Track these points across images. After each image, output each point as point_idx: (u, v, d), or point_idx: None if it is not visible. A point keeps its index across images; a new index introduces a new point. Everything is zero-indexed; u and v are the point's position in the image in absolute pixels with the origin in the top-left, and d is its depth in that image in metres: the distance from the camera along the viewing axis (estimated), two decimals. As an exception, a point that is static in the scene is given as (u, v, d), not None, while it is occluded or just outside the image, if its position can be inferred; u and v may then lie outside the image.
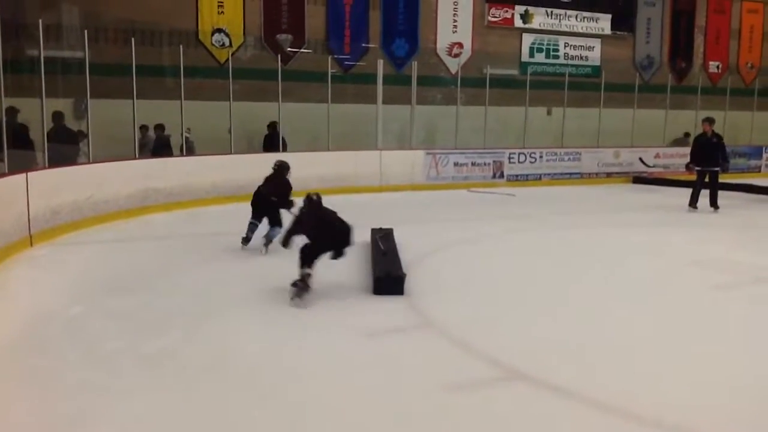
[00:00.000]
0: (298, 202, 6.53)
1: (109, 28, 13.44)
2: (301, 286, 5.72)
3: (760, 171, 18.40)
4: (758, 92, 18.85)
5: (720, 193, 11.62)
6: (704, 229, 10.08)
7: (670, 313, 5.75)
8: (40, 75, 8.75)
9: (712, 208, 11.45)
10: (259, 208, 7.85)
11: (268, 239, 7.71)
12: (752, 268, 7.30)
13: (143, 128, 12.42)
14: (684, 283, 6.78)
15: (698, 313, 5.81)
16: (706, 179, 11.50)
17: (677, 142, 17.60)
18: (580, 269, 7.29)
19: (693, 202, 11.54)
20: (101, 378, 4.22)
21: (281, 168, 7.95)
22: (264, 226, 7.83)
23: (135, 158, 10.82)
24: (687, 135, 17.49)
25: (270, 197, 7.73)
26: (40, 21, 8.87)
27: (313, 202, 6.01)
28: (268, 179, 7.96)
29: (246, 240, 7.84)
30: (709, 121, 11.69)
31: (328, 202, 7.58)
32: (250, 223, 7.87)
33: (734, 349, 4.94)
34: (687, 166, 11.95)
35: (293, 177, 7.87)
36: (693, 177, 11.82)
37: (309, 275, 5.77)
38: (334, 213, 6.09)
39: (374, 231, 7.89)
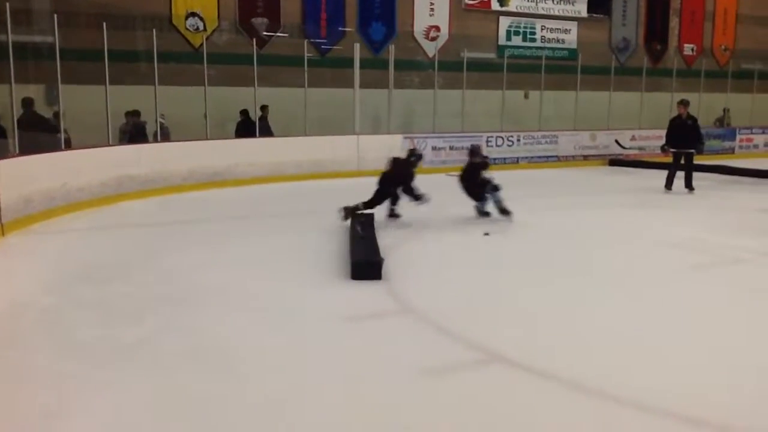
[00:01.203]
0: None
1: (81, 12, 13.18)
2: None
3: (734, 152, 18.63)
4: (732, 74, 19.04)
5: (695, 174, 11.74)
6: (680, 210, 10.18)
7: (648, 294, 5.79)
8: (9, 61, 8.57)
9: (687, 190, 11.56)
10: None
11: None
12: (729, 249, 7.38)
13: (127, 114, 12.19)
14: (661, 264, 6.83)
15: (676, 294, 5.85)
16: (682, 161, 11.61)
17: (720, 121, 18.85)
18: (557, 252, 7.32)
19: (668, 184, 11.64)
20: (77, 368, 4.16)
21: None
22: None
23: (109, 145, 10.66)
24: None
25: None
26: (8, 5, 8.67)
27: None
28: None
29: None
30: (684, 103, 11.75)
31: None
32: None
33: (715, 330, 4.97)
34: (662, 148, 12.05)
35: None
36: (668, 159, 11.94)
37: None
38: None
39: (353, 215, 7.86)
